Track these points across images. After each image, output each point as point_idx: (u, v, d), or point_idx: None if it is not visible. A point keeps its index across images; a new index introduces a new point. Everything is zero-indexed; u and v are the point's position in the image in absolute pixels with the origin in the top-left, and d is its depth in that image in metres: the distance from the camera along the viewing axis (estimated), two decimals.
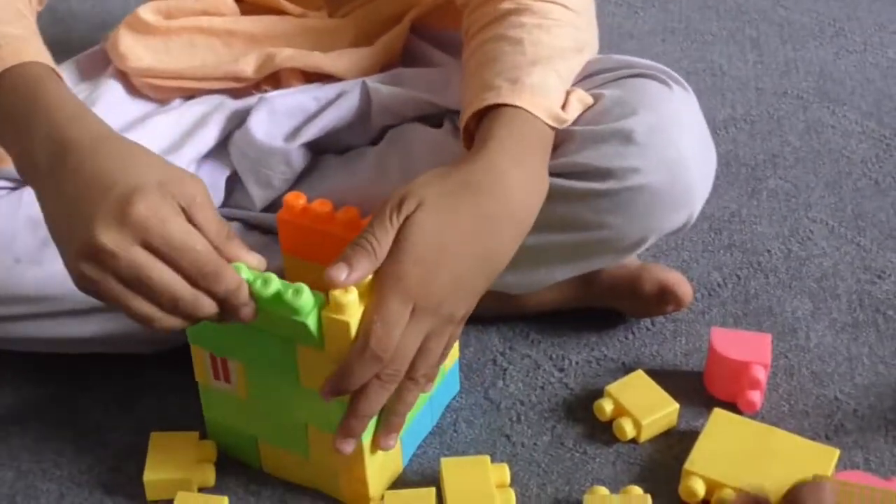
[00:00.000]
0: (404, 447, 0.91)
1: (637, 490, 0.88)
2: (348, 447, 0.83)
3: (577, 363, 1.02)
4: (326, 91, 1.01)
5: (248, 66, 1.01)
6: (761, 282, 1.11)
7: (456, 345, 0.92)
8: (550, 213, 0.85)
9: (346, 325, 0.77)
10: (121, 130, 0.98)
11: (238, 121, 1.00)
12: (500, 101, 0.84)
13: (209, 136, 0.99)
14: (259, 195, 1.00)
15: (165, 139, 0.99)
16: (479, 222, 0.80)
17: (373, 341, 0.77)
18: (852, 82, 1.42)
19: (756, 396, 0.95)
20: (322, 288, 0.79)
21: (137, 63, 1.01)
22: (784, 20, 1.56)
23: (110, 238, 0.69)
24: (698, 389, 0.99)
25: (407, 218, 0.78)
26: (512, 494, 0.88)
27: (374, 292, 0.78)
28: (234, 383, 0.87)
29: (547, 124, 0.86)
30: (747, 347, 0.97)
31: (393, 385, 0.81)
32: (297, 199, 0.88)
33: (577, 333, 1.05)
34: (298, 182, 1.00)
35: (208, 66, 1.02)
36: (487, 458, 0.90)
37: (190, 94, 1.03)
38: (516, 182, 0.82)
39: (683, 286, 1.03)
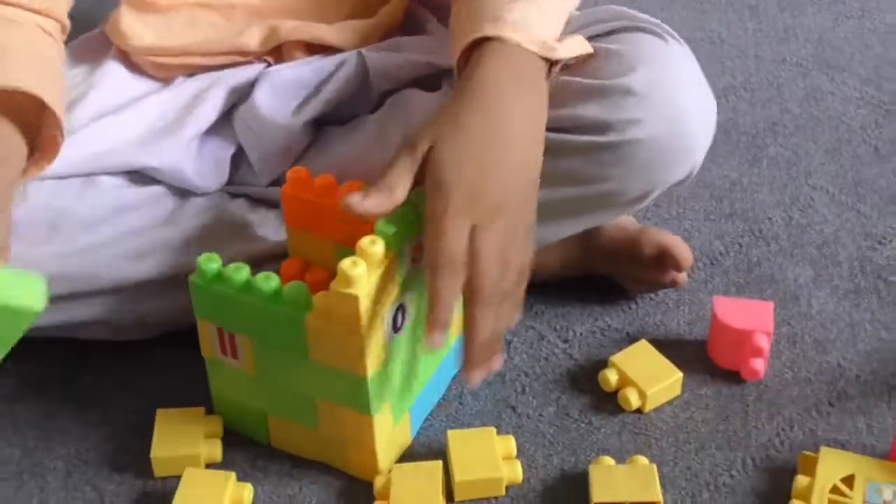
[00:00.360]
0: (412, 420, 0.92)
1: (643, 459, 0.89)
2: (440, 337, 0.79)
3: (581, 334, 1.02)
4: (326, 63, 1.00)
5: (252, 39, 0.99)
6: (763, 250, 1.11)
7: (460, 316, 0.92)
8: (553, 167, 0.85)
9: (355, 299, 0.77)
10: (119, 109, 0.99)
11: (239, 95, 1.00)
12: (482, 34, 0.83)
13: (210, 112, 0.99)
14: (264, 170, 0.99)
15: (163, 117, 0.99)
16: (494, 134, 0.80)
17: (438, 249, 0.76)
18: (851, 48, 1.42)
19: (759, 364, 0.96)
20: (326, 261, 0.78)
21: (139, 42, 1.00)
22: None
23: None
24: (702, 358, 0.99)
25: (427, 159, 0.78)
26: (518, 465, 0.89)
27: (428, 225, 0.77)
28: (241, 359, 0.87)
29: (533, 53, 0.84)
30: (750, 315, 0.97)
31: (495, 297, 0.79)
32: (300, 173, 0.88)
33: (581, 304, 1.05)
34: (301, 155, 1.00)
35: (211, 41, 1.00)
36: (493, 429, 0.90)
37: (192, 72, 1.02)
38: (512, 95, 0.81)
39: (683, 249, 1.02)
